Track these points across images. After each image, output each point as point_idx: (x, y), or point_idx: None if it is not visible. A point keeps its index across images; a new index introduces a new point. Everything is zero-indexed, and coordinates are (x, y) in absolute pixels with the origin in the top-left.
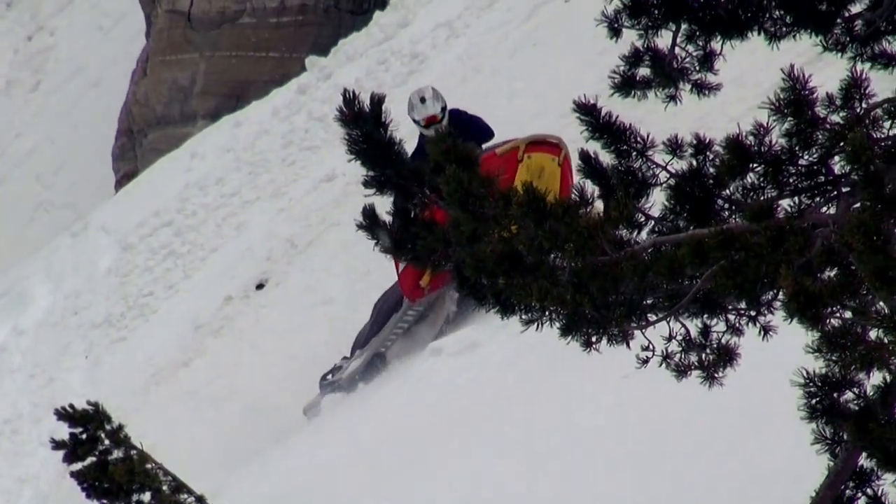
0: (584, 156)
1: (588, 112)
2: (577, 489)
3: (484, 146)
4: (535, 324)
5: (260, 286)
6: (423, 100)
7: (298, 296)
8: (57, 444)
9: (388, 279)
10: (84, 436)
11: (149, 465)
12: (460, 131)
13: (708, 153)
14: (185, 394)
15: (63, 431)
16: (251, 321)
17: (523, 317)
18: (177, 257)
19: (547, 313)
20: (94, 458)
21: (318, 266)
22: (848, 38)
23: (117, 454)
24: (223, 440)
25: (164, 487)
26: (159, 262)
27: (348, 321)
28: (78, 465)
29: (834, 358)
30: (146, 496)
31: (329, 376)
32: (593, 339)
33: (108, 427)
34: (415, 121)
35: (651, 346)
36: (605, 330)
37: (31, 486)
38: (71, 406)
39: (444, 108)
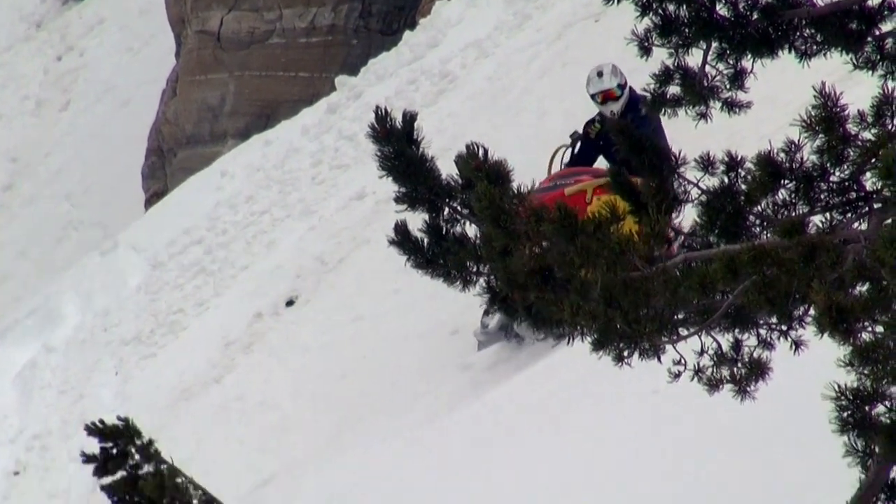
0: (615, 172)
1: (621, 131)
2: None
3: (552, 180)
4: (567, 338)
5: (290, 303)
6: (599, 74)
7: (328, 313)
8: (87, 459)
9: (418, 297)
10: (114, 451)
11: (179, 480)
12: (633, 119)
13: (739, 170)
14: (215, 410)
15: (93, 446)
16: (281, 338)
17: (555, 331)
18: (207, 275)
19: (578, 328)
20: (124, 473)
21: (348, 283)
22: (878, 56)
23: (148, 469)
24: (253, 456)
25: (195, 502)
26: (189, 280)
27: (378, 338)
28: (108, 480)
29: (865, 371)
30: None
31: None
32: (625, 353)
33: (138, 442)
34: (591, 96)
35: (683, 361)
36: (637, 344)
37: (61, 500)
38: (101, 421)
39: (621, 86)
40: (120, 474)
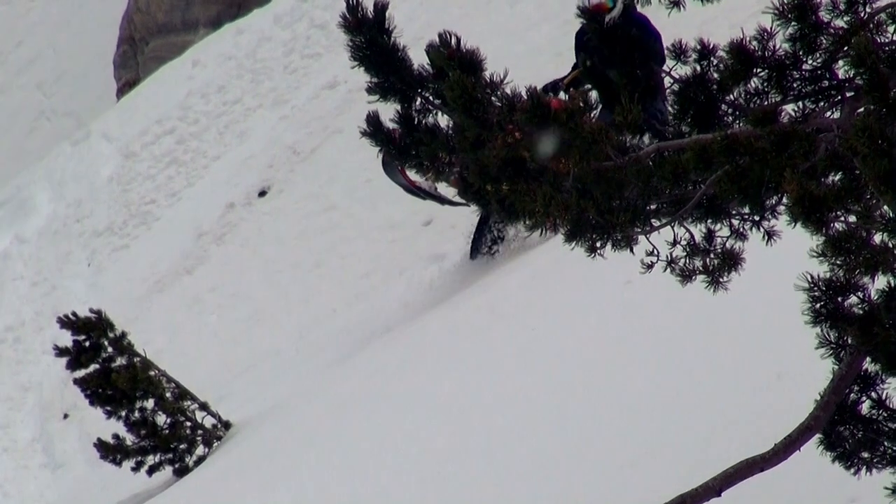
0: (589, 65)
1: (592, 18)
2: (582, 394)
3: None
4: (540, 230)
5: (262, 193)
6: None
7: (301, 203)
8: (60, 352)
9: (390, 186)
10: (87, 343)
11: (152, 373)
12: (628, 39)
13: (712, 59)
14: (188, 301)
15: (66, 339)
16: (254, 228)
17: (527, 222)
18: (179, 165)
19: (551, 219)
20: (97, 366)
21: (321, 173)
22: None
23: (120, 361)
24: (227, 347)
25: (168, 394)
26: (161, 170)
27: (350, 228)
28: (81, 373)
29: (838, 262)
30: (149, 403)
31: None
32: (598, 244)
33: (110, 335)
34: (580, 10)
35: (655, 252)
36: (610, 235)
37: (35, 393)
38: (73, 314)
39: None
40: (93, 367)
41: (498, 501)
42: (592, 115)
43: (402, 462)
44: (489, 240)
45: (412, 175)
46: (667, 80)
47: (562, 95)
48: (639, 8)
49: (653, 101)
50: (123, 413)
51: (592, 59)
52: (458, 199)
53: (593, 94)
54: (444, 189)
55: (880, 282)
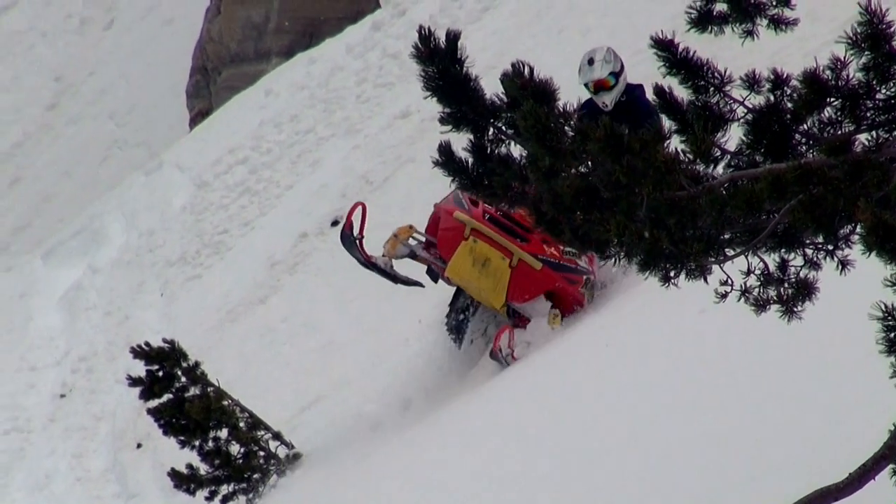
0: (659, 90)
1: (665, 48)
2: (653, 426)
3: (447, 198)
4: (615, 259)
5: (335, 223)
6: (591, 61)
7: (373, 232)
8: (133, 381)
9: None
10: (160, 373)
11: (225, 402)
12: (626, 116)
13: (785, 88)
14: (260, 331)
15: (139, 369)
16: (326, 258)
17: (602, 252)
18: (252, 194)
19: (625, 248)
20: (170, 395)
21: (394, 203)
22: None
23: (194, 391)
24: (299, 377)
25: (241, 424)
26: (234, 200)
27: None
28: (154, 403)
29: None
30: (223, 433)
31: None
32: (671, 273)
33: (184, 364)
34: (584, 85)
35: (729, 281)
36: (683, 265)
37: (108, 423)
38: (147, 344)
39: (615, 74)
40: (166, 397)
41: None
42: (666, 144)
43: (476, 492)
44: (463, 324)
45: (369, 251)
46: (740, 110)
47: None
48: (713, 37)
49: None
50: (197, 443)
51: None
52: (411, 278)
53: (493, 256)
54: (400, 265)
55: None
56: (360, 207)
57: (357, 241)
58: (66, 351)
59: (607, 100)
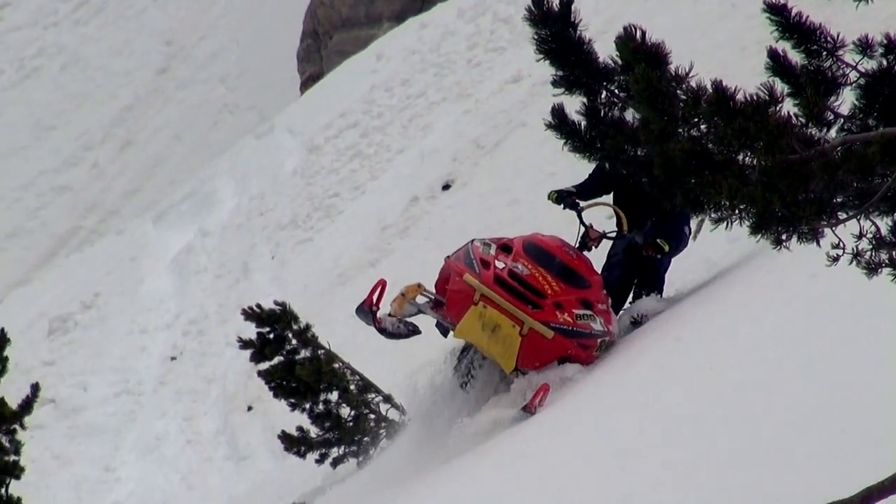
0: (773, 54)
1: (778, 12)
2: (765, 390)
3: (458, 253)
4: (726, 222)
5: (446, 187)
6: None
7: (485, 196)
8: (244, 344)
9: (576, 180)
10: (271, 335)
11: (336, 365)
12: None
13: None
14: None
15: (250, 331)
16: (437, 221)
17: (713, 215)
18: (363, 158)
19: (737, 212)
20: (281, 358)
21: (505, 167)
22: None
23: (304, 354)
24: (409, 341)
25: (352, 387)
26: (345, 164)
27: (535, 222)
28: (265, 365)
29: None
30: (333, 395)
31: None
32: (783, 237)
33: (294, 327)
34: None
35: (841, 244)
36: (795, 228)
37: (218, 385)
38: (258, 306)
39: None
40: (277, 359)
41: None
42: (779, 108)
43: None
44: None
45: (380, 315)
46: (853, 75)
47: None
48: (826, 2)
49: (686, 224)
50: (307, 405)
51: (620, 187)
52: (413, 326)
53: (503, 323)
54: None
55: None
56: (381, 287)
57: (373, 314)
58: (176, 314)
59: None
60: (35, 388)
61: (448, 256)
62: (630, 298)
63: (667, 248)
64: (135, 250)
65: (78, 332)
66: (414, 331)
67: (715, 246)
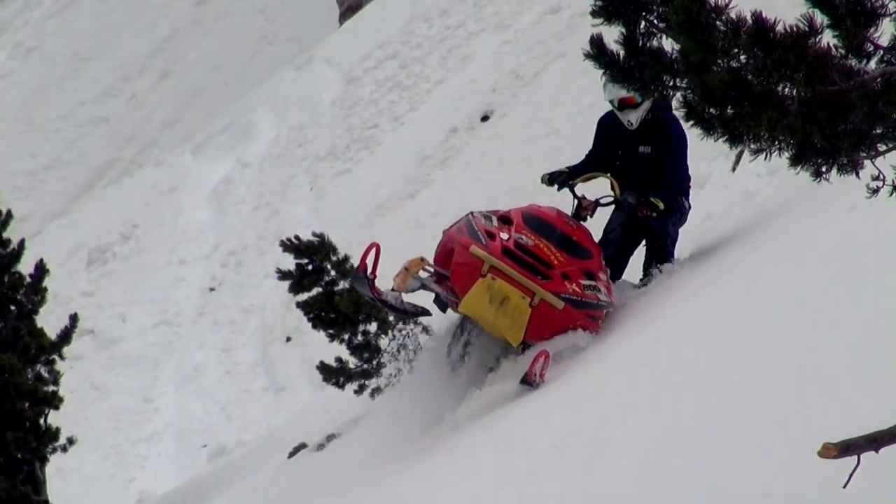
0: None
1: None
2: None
3: (458, 225)
4: (765, 153)
5: (485, 118)
6: None
7: (524, 127)
8: (283, 275)
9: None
10: (310, 267)
11: None
12: (651, 134)
13: None
14: (410, 225)
15: (288, 262)
16: (476, 153)
17: (752, 146)
18: (402, 89)
19: (776, 143)
20: (319, 289)
21: (544, 97)
22: None
23: (343, 285)
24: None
25: (390, 318)
26: (384, 95)
27: (573, 152)
28: (303, 296)
29: None
30: (372, 326)
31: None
32: (823, 168)
33: (333, 258)
34: (609, 101)
35: (881, 176)
36: (835, 160)
37: (257, 316)
38: (296, 237)
39: None
40: (315, 290)
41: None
42: (818, 39)
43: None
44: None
45: (379, 287)
46: (893, 6)
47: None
48: None
49: (685, 197)
50: (346, 336)
51: (621, 146)
52: (420, 307)
53: (513, 294)
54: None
55: None
56: (374, 249)
57: (369, 281)
58: (215, 245)
59: (633, 118)
60: (74, 318)
61: (446, 229)
62: (641, 275)
63: (661, 205)
64: (173, 181)
65: (116, 264)
66: (423, 311)
67: (754, 179)
